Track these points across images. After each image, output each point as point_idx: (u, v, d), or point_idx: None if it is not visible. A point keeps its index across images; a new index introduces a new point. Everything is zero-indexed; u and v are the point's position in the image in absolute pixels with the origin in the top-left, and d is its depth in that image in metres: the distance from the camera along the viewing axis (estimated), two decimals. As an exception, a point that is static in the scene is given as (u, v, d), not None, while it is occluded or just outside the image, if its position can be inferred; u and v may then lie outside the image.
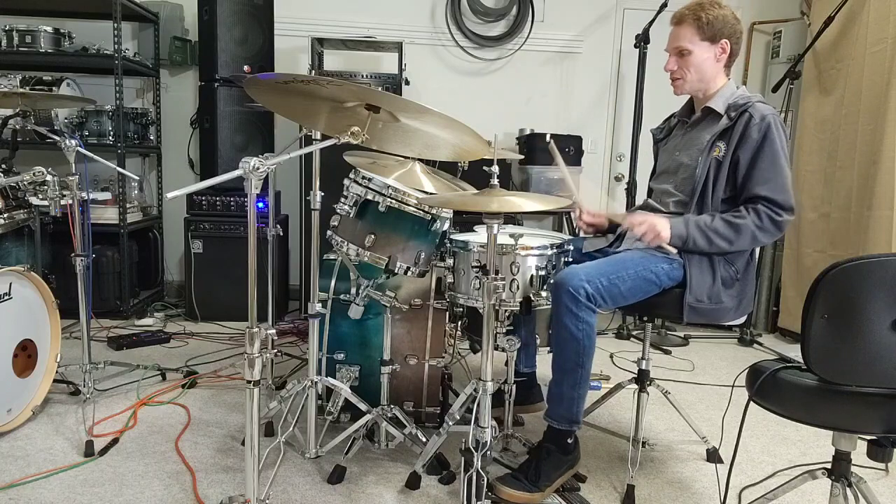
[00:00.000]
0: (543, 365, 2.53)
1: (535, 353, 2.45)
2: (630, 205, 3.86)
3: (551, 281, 1.96)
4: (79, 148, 2.32)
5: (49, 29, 3.63)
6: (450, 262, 2.04)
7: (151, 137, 4.16)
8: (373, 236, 1.95)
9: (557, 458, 1.92)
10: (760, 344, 3.78)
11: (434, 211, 1.98)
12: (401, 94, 3.75)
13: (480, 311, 1.77)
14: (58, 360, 2.45)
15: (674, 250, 1.93)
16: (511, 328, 2.06)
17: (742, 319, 2.08)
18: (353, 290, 2.21)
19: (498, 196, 1.59)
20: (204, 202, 3.76)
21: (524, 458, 2.01)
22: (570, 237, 2.22)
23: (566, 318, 1.83)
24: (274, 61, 3.88)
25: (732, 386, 2.04)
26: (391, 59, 4.15)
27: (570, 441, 1.93)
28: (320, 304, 2.13)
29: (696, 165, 2.01)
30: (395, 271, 1.98)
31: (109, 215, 3.73)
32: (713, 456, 2.26)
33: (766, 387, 1.48)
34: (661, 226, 1.92)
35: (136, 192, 4.03)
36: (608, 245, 2.21)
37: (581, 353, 1.85)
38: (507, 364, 2.14)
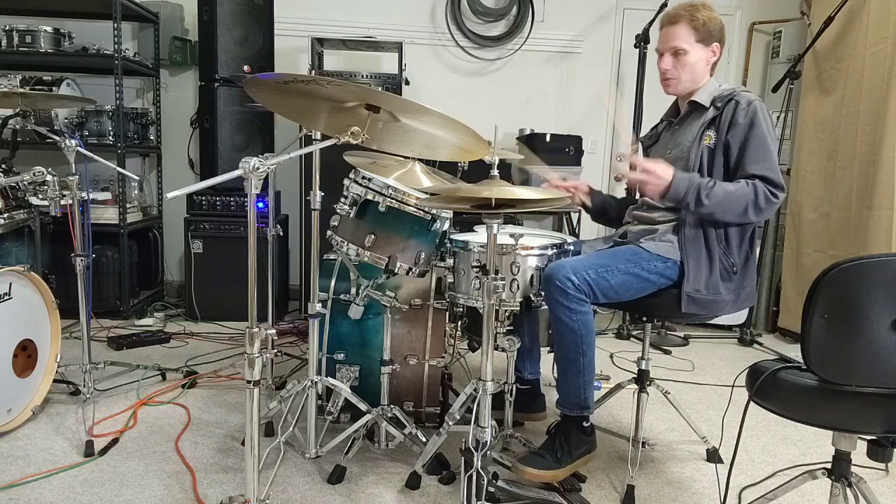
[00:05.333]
0: (546, 367, 2.54)
1: (538, 359, 2.46)
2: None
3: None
4: (79, 148, 2.32)
5: (49, 29, 3.63)
6: (450, 262, 2.04)
7: (151, 137, 4.16)
8: (373, 236, 1.95)
9: (578, 436, 1.96)
10: (760, 344, 3.77)
11: (434, 211, 1.98)
12: (401, 94, 3.75)
13: (480, 311, 1.77)
14: (58, 360, 2.45)
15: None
16: (511, 328, 2.06)
17: (742, 316, 2.08)
18: (353, 290, 2.22)
19: (497, 185, 1.59)
20: (204, 202, 3.77)
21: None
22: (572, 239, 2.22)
23: (559, 312, 1.87)
24: (274, 61, 3.88)
25: (732, 386, 2.03)
26: (391, 59, 4.15)
27: (585, 425, 1.97)
28: (320, 304, 2.13)
29: (687, 157, 2.02)
30: (396, 271, 1.98)
31: (109, 215, 3.73)
32: (713, 456, 2.26)
33: (766, 387, 1.48)
34: (664, 179, 1.89)
35: (136, 192, 4.03)
36: (607, 248, 2.21)
37: (580, 342, 1.89)
38: (507, 364, 2.14)
